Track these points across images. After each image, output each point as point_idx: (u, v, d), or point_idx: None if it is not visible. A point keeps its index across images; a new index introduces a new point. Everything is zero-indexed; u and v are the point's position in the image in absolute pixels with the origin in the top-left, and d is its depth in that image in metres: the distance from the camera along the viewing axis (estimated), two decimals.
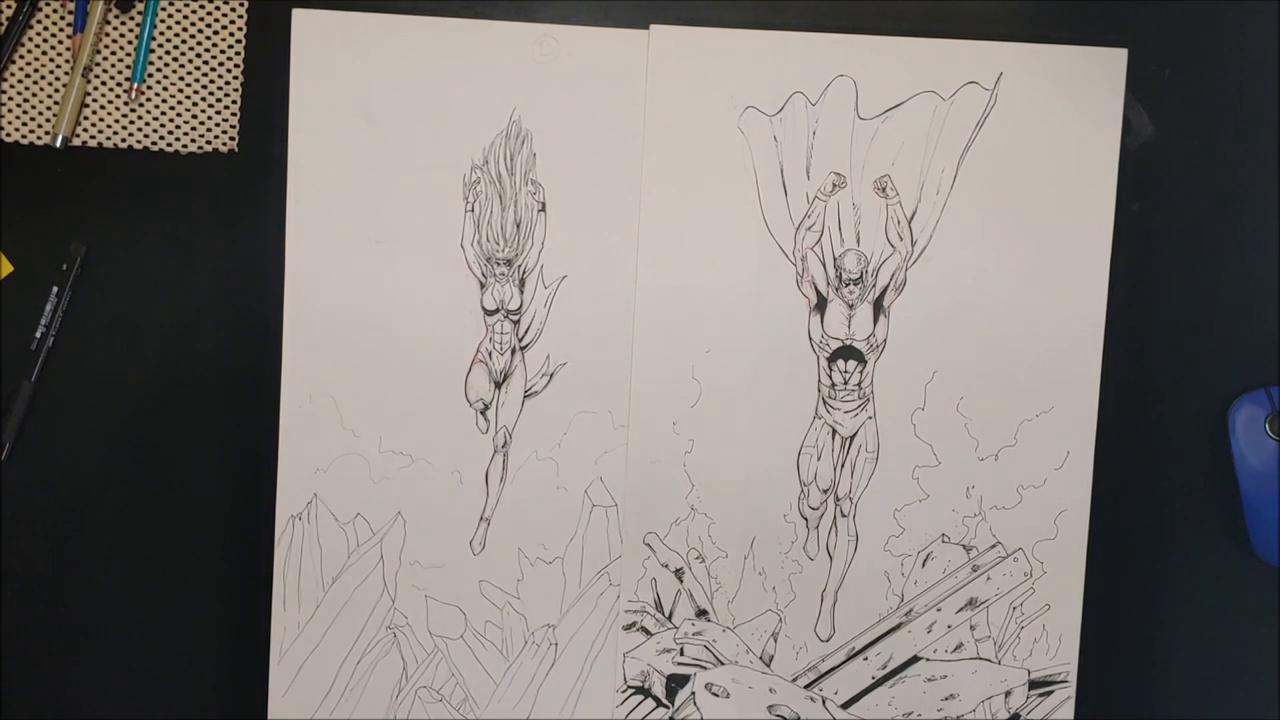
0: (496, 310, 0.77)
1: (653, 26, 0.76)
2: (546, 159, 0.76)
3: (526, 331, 0.77)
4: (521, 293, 0.77)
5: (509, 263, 0.77)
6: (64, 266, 0.76)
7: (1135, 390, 0.76)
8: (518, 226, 0.77)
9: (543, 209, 0.77)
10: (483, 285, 0.77)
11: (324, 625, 0.76)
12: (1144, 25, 0.76)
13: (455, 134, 0.76)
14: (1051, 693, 0.76)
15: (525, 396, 0.77)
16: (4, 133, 0.77)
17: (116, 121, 0.77)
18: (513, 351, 0.77)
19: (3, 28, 0.76)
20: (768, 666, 0.76)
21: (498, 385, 0.77)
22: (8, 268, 0.77)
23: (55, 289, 0.76)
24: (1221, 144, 0.77)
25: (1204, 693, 0.77)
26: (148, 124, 0.77)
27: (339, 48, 0.76)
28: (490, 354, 0.77)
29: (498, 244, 0.77)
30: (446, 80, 0.76)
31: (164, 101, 0.77)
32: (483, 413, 0.77)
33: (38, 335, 0.76)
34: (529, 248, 0.77)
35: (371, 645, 0.77)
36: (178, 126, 0.77)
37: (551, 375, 0.77)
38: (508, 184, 0.76)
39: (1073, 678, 0.76)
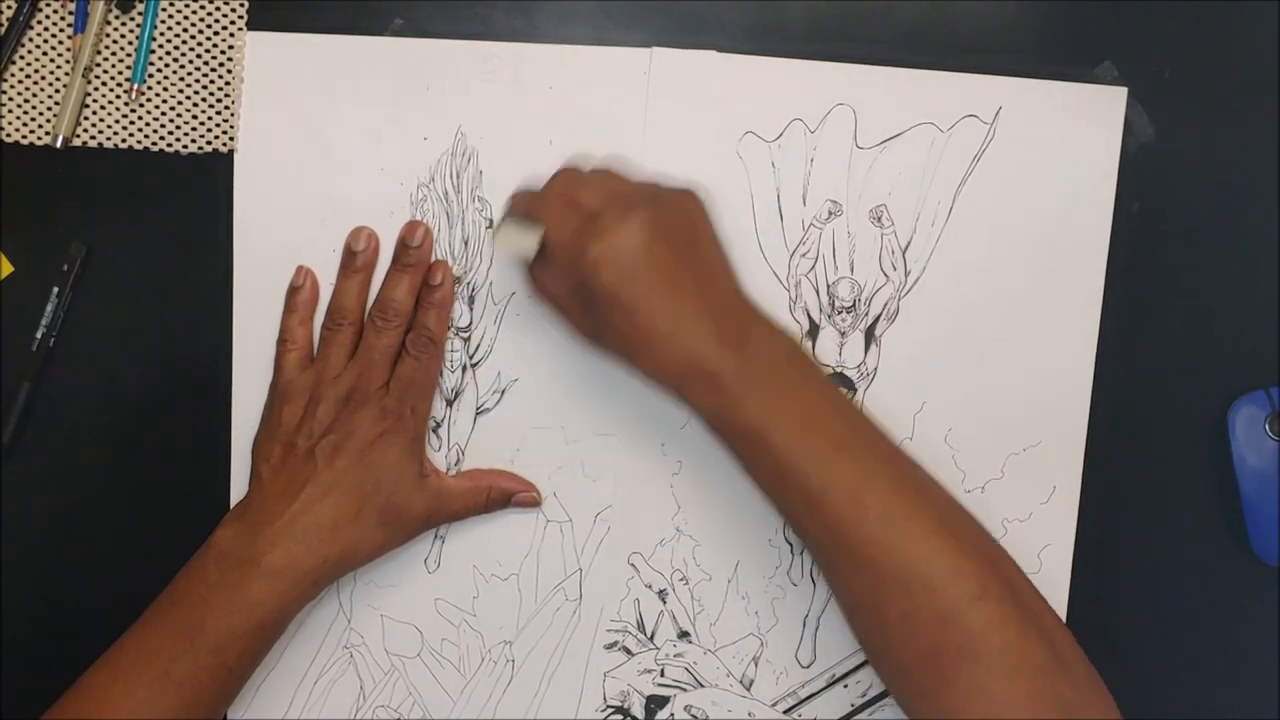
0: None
1: (654, 49, 0.75)
2: (491, 175, 0.76)
3: (477, 349, 0.77)
4: (471, 310, 0.76)
5: (458, 280, 0.76)
6: (64, 266, 0.76)
7: (1135, 389, 0.76)
8: (465, 244, 0.76)
9: (490, 225, 0.76)
10: None
11: (280, 646, 0.75)
12: (1143, 41, 0.76)
13: (403, 152, 0.76)
14: None
15: (477, 414, 0.77)
16: (4, 133, 0.77)
17: (116, 122, 0.77)
18: (463, 369, 0.77)
19: (3, 28, 0.76)
20: (748, 690, 0.77)
21: (449, 403, 0.77)
22: (8, 268, 0.77)
23: (55, 289, 0.76)
24: (1221, 144, 0.76)
25: (1204, 694, 0.77)
26: (148, 124, 0.77)
27: (291, 70, 0.76)
28: (441, 372, 0.77)
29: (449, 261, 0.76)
30: (393, 100, 0.76)
31: (164, 102, 0.77)
32: (434, 430, 0.77)
33: (38, 335, 0.76)
34: (478, 264, 0.76)
35: (329, 665, 0.77)
36: (178, 126, 0.77)
37: (503, 392, 0.77)
38: (454, 201, 0.76)
39: None
